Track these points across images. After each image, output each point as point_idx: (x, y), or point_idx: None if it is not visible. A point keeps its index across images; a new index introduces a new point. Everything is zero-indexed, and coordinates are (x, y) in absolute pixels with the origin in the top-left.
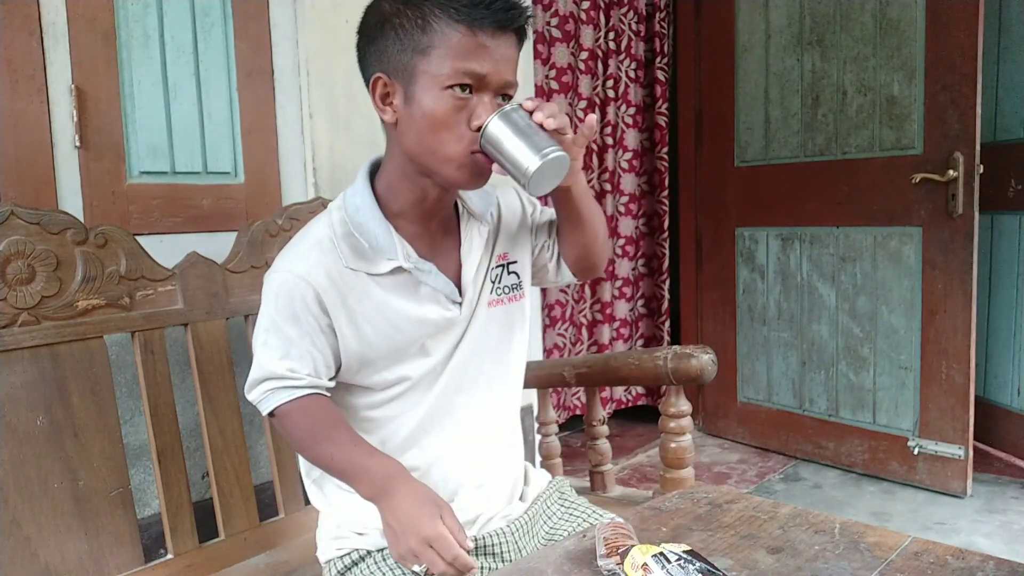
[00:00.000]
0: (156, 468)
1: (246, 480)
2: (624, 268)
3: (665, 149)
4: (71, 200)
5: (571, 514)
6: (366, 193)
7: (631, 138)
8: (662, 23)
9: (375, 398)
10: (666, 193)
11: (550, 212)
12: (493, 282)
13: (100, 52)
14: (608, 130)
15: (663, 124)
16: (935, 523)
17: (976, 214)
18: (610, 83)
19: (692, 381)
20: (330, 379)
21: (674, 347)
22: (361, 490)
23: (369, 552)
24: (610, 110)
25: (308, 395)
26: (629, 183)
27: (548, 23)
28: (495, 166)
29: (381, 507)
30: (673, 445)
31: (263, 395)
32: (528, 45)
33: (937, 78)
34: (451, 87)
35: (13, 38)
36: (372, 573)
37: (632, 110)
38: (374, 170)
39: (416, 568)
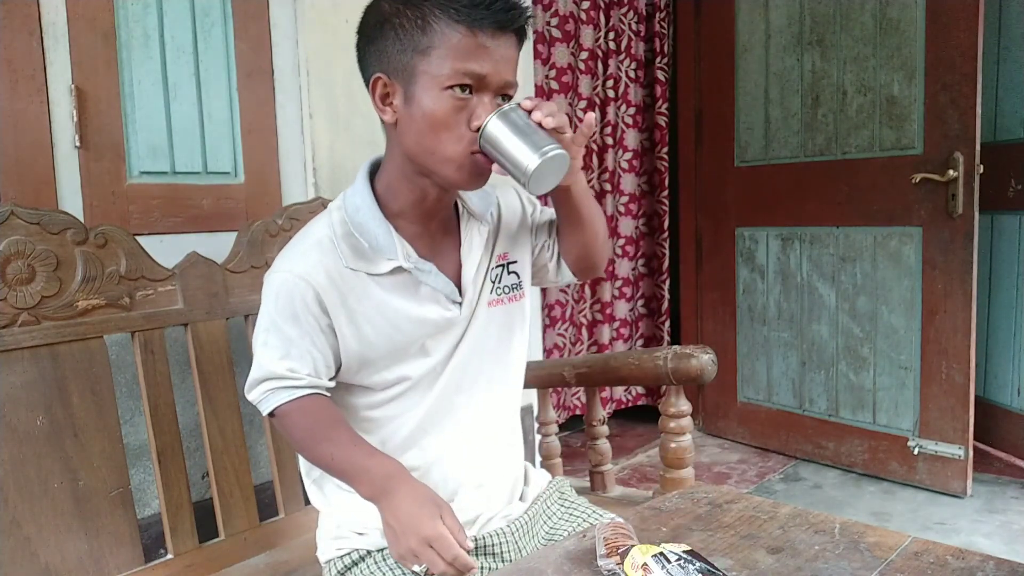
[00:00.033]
0: (156, 468)
1: (246, 480)
2: (624, 268)
3: (665, 149)
4: (71, 200)
5: (571, 514)
6: (366, 193)
7: (631, 138)
8: (662, 23)
9: (375, 398)
10: (666, 193)
11: (550, 212)
12: (493, 282)
13: (100, 52)
14: (608, 130)
15: (663, 124)
16: (935, 523)
17: (976, 214)
18: (610, 83)
19: (692, 381)
20: (330, 379)
21: (674, 347)
22: (361, 490)
23: (369, 552)
24: (610, 110)
25: (308, 395)
26: (629, 183)
27: (548, 23)
28: (495, 166)
29: (381, 507)
30: (673, 445)
31: (263, 395)
32: (528, 45)
33: (937, 78)
34: (451, 87)
35: (13, 38)
36: (372, 573)
37: (632, 110)
38: (374, 170)
39: (416, 568)
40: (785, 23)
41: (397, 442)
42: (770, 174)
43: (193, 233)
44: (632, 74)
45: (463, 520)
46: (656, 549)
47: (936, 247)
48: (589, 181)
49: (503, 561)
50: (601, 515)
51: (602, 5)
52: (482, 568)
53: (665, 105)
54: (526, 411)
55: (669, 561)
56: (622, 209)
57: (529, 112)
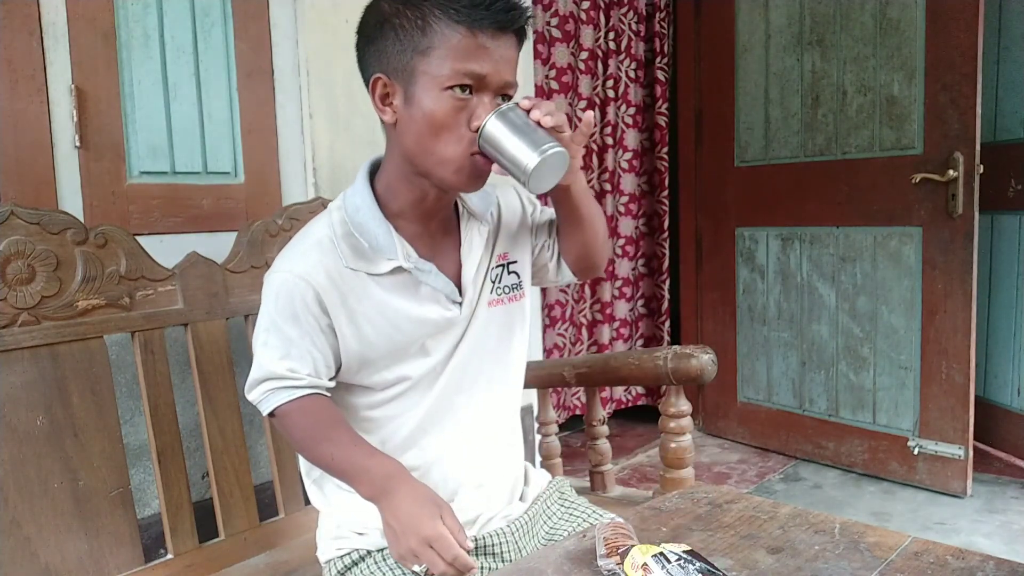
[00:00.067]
0: (156, 468)
1: (246, 480)
2: (624, 268)
3: (665, 149)
4: (71, 200)
5: (571, 514)
6: (366, 193)
7: (631, 138)
8: (662, 23)
9: (375, 398)
10: (666, 193)
11: (550, 212)
12: (493, 282)
13: (100, 52)
14: (608, 130)
15: (663, 124)
16: (935, 523)
17: (976, 214)
18: (610, 83)
19: (692, 381)
20: (330, 379)
21: (674, 347)
22: (361, 490)
23: (369, 552)
24: (610, 110)
25: (308, 395)
26: (629, 183)
27: (548, 23)
28: (495, 166)
29: (381, 507)
30: (673, 445)
31: (263, 395)
32: (528, 45)
33: (937, 78)
34: (451, 88)
35: (13, 38)
36: (372, 573)
37: (632, 110)
38: (374, 170)
39: (416, 568)
40: (785, 23)
41: (397, 442)
42: (770, 174)
43: (193, 233)
44: (632, 74)
45: (463, 520)
46: (656, 549)
47: (936, 247)
48: (589, 181)
49: (503, 561)
50: (601, 515)
51: (602, 5)
52: (482, 568)
53: (665, 105)
54: (526, 411)
55: (669, 561)
56: (622, 209)
57: (527, 111)
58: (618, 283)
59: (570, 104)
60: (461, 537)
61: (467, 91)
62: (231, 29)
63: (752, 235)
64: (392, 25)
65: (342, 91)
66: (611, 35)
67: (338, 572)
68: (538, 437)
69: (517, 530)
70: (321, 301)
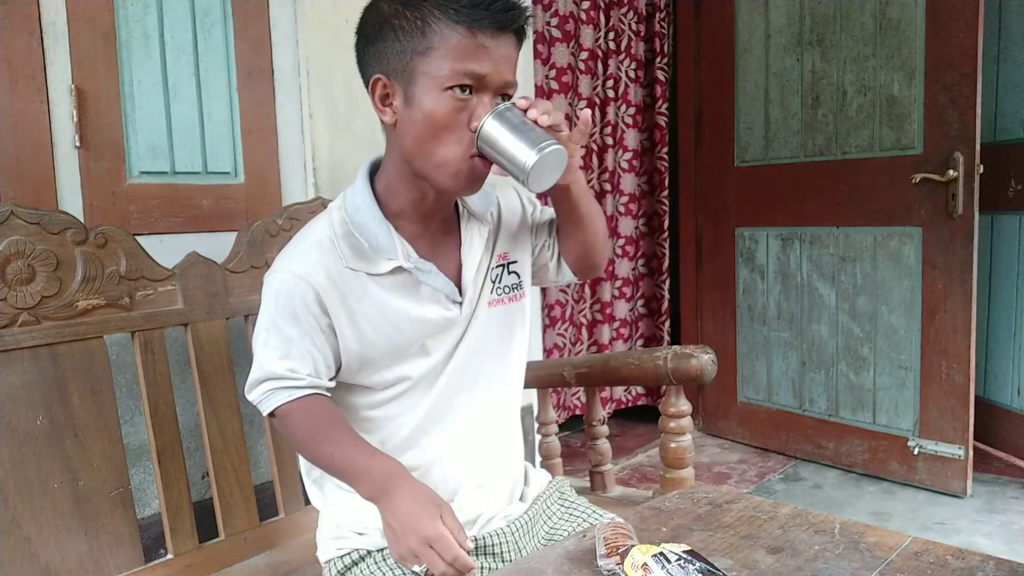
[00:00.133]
0: (156, 468)
1: (246, 480)
2: (624, 268)
3: (665, 149)
4: (71, 200)
5: (571, 514)
6: (366, 193)
7: (631, 138)
8: (662, 23)
9: (375, 398)
10: (666, 193)
11: (550, 212)
12: (493, 282)
13: (100, 52)
14: (608, 130)
15: (663, 124)
16: (935, 523)
17: (976, 214)
18: (610, 83)
19: (692, 381)
20: (330, 379)
21: (674, 347)
22: (361, 490)
23: (369, 552)
24: (610, 110)
25: (308, 395)
26: (629, 183)
27: (548, 23)
28: (495, 167)
29: (381, 507)
30: (673, 445)
31: (263, 395)
32: (528, 45)
33: (937, 78)
34: (451, 88)
35: (13, 38)
36: (372, 573)
37: (632, 110)
38: (374, 170)
39: (416, 568)
40: (785, 23)
41: (397, 442)
42: (770, 174)
43: (193, 233)
44: (632, 74)
45: (463, 520)
46: (656, 549)
47: (936, 247)
48: (589, 181)
49: (503, 561)
50: (601, 515)
51: (602, 5)
52: (482, 568)
53: (665, 105)
54: (526, 411)
55: (669, 561)
56: (622, 209)
57: (525, 111)
58: (618, 283)
59: (570, 104)
60: (461, 537)
61: (467, 91)
62: (231, 29)
63: (752, 235)
64: (392, 26)
65: (342, 91)
66: (611, 35)
67: (338, 572)
68: (538, 437)
69: (517, 530)
70: (321, 301)
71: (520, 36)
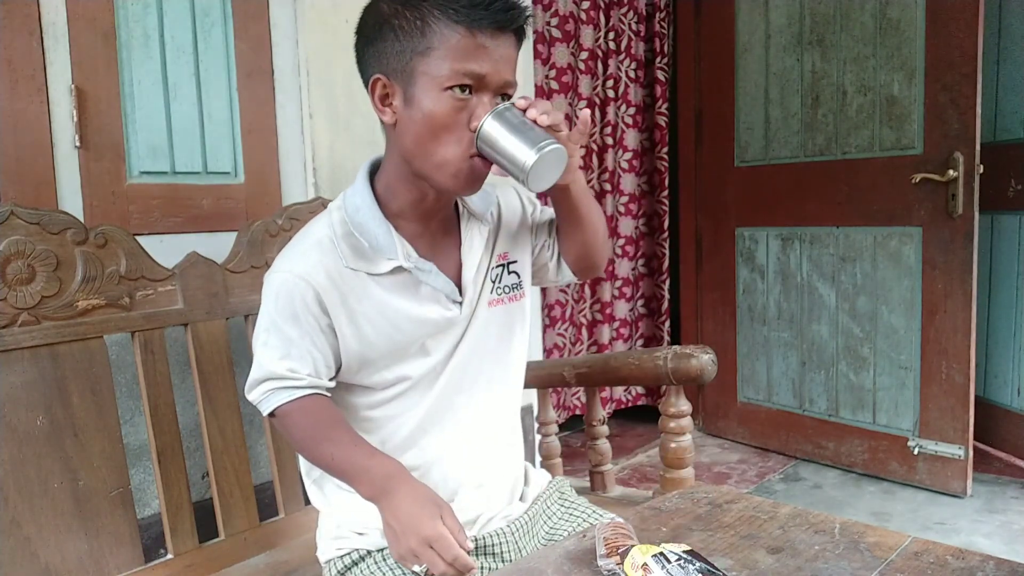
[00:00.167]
0: (156, 468)
1: (246, 480)
2: (624, 268)
3: (665, 149)
4: (71, 200)
5: (571, 514)
6: (366, 193)
7: (631, 138)
8: (662, 23)
9: (375, 398)
10: (666, 193)
11: (550, 211)
12: (493, 282)
13: (100, 52)
14: (608, 130)
15: (663, 124)
16: (935, 523)
17: (976, 214)
18: (610, 83)
19: (692, 381)
20: (330, 379)
21: (674, 347)
22: (361, 490)
23: (369, 552)
24: (610, 110)
25: (308, 395)
26: (629, 183)
27: (548, 23)
28: (495, 167)
29: (381, 507)
30: (673, 445)
31: (263, 395)
32: (528, 45)
33: (937, 78)
34: (451, 88)
35: (13, 38)
36: (372, 573)
37: (632, 110)
38: (374, 170)
39: (416, 568)
40: (785, 23)
41: (397, 442)
42: (770, 174)
43: (193, 233)
44: (632, 74)
45: (463, 520)
46: (656, 549)
47: (936, 247)
48: (589, 181)
49: (503, 561)
50: (601, 515)
51: (602, 5)
52: (482, 568)
53: (665, 105)
54: (526, 411)
55: (669, 561)
56: (622, 209)
57: (524, 111)
58: (618, 283)
59: (570, 104)
60: (461, 537)
61: (467, 91)
62: (231, 29)
63: (752, 235)
64: (391, 26)
65: (342, 91)
66: (611, 35)
67: (338, 572)
68: (538, 437)
69: (517, 530)
70: (321, 301)
71: (520, 36)
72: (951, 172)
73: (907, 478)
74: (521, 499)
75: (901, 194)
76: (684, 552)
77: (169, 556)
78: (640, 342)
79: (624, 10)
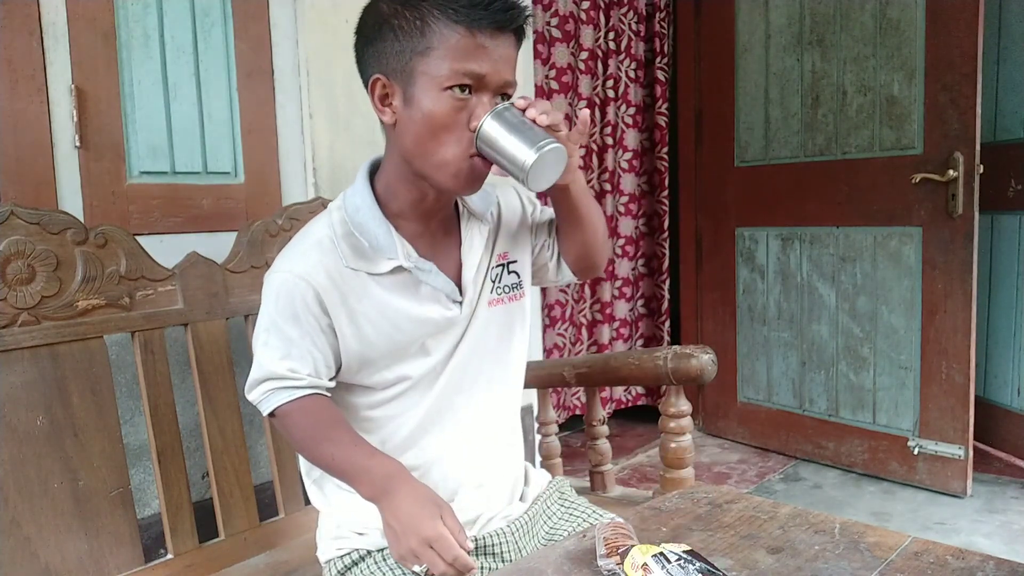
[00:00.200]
0: (156, 468)
1: (246, 480)
2: (624, 268)
3: (665, 149)
4: (71, 200)
5: (571, 514)
6: (366, 193)
7: (631, 138)
8: (662, 23)
9: (375, 398)
10: (666, 193)
11: (550, 211)
12: (493, 281)
13: (100, 52)
14: (608, 130)
15: (663, 124)
16: (935, 523)
17: (976, 214)
18: (610, 83)
19: (692, 381)
20: (330, 379)
21: (674, 347)
22: (362, 490)
23: (369, 552)
24: (610, 110)
25: (309, 395)
26: (629, 183)
27: (548, 23)
28: (495, 167)
29: (381, 507)
30: (673, 445)
31: (264, 395)
32: (528, 45)
33: (937, 78)
34: (450, 88)
35: (13, 38)
36: (372, 573)
37: (632, 110)
38: (374, 170)
39: (416, 568)
40: (785, 23)
41: (397, 442)
42: (770, 174)
43: (193, 233)
44: (632, 74)
45: (463, 520)
46: (656, 549)
47: (936, 247)
48: (589, 181)
49: (503, 561)
50: (601, 515)
51: (602, 5)
52: (482, 568)
53: (665, 105)
54: (526, 411)
55: (669, 561)
56: (622, 209)
57: (523, 110)
58: (618, 283)
59: (570, 104)
60: (461, 537)
61: (466, 91)
62: (231, 29)
63: (752, 235)
64: (391, 26)
65: (342, 91)
66: (611, 35)
67: (338, 572)
68: (538, 437)
69: (517, 530)
70: (321, 301)
71: (519, 36)
72: (951, 172)
73: (907, 478)
74: (521, 499)
75: (901, 194)
76: (684, 552)
77: (169, 556)
78: (640, 342)
79: (624, 10)
